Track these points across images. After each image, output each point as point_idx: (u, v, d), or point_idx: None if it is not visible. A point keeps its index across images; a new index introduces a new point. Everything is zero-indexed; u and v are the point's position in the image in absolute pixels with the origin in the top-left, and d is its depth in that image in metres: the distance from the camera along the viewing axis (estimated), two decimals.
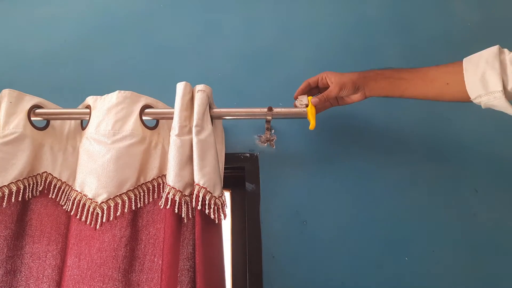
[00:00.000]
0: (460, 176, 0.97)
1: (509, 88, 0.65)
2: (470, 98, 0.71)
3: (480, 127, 1.03)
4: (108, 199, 0.74)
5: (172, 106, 0.80)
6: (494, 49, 0.68)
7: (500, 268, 0.89)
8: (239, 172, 0.97)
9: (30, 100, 0.84)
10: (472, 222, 0.93)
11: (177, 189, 0.72)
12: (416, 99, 0.80)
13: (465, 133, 1.02)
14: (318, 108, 0.84)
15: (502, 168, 0.98)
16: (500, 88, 0.65)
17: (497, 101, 0.66)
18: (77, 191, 0.77)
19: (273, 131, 1.00)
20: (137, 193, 0.78)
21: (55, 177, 0.83)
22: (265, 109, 0.84)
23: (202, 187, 0.72)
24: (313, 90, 0.88)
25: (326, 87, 0.84)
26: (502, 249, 0.91)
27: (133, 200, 0.77)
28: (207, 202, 0.72)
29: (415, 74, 0.78)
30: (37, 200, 0.81)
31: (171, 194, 0.72)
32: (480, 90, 0.68)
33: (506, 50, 0.68)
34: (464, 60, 0.72)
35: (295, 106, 0.86)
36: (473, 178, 0.97)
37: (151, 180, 0.81)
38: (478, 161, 0.99)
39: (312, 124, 0.82)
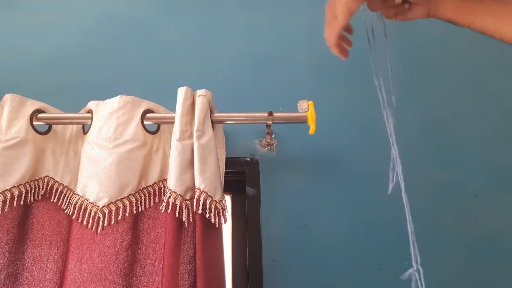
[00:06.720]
0: (460, 181, 0.98)
1: None
2: None
3: (480, 132, 1.03)
4: (110, 203, 0.75)
5: (173, 111, 0.81)
6: None
7: (500, 273, 0.89)
8: (239, 177, 0.97)
9: (32, 105, 0.84)
10: (472, 227, 0.93)
11: (178, 193, 0.73)
12: (487, 34, 0.62)
13: (465, 138, 1.03)
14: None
15: (502, 173, 0.99)
16: None
17: None
18: (78, 195, 0.77)
19: (273, 136, 1.00)
20: (138, 197, 0.79)
21: (57, 181, 0.84)
22: (266, 114, 0.85)
23: (202, 191, 0.72)
24: None
25: None
26: (502, 254, 0.91)
27: (134, 204, 0.77)
28: (207, 206, 0.72)
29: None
30: (39, 204, 0.81)
31: (172, 198, 0.72)
32: None
33: None
34: None
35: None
36: (473, 183, 0.97)
37: (152, 184, 0.81)
38: (478, 166, 0.99)
39: (312, 129, 0.83)
